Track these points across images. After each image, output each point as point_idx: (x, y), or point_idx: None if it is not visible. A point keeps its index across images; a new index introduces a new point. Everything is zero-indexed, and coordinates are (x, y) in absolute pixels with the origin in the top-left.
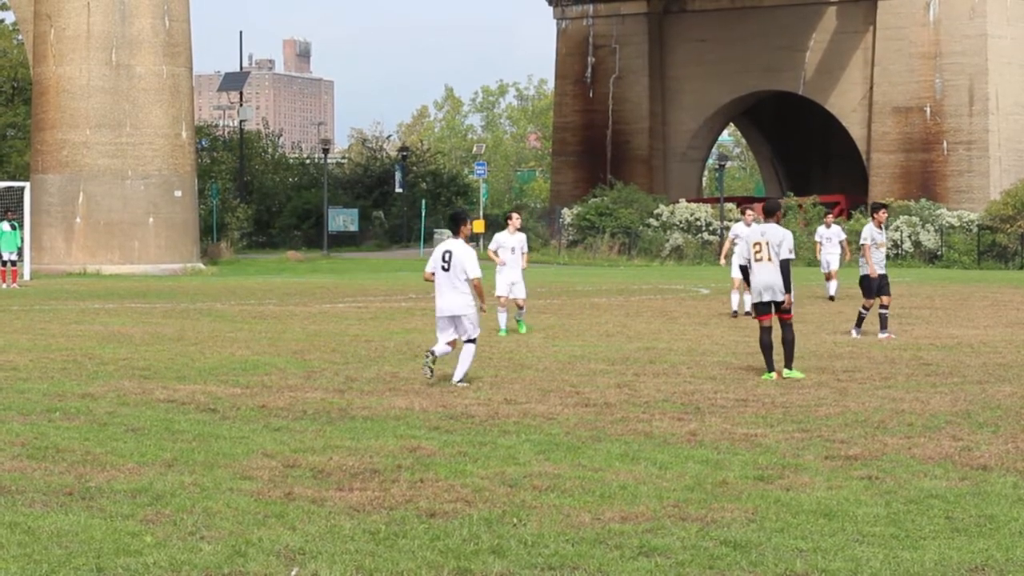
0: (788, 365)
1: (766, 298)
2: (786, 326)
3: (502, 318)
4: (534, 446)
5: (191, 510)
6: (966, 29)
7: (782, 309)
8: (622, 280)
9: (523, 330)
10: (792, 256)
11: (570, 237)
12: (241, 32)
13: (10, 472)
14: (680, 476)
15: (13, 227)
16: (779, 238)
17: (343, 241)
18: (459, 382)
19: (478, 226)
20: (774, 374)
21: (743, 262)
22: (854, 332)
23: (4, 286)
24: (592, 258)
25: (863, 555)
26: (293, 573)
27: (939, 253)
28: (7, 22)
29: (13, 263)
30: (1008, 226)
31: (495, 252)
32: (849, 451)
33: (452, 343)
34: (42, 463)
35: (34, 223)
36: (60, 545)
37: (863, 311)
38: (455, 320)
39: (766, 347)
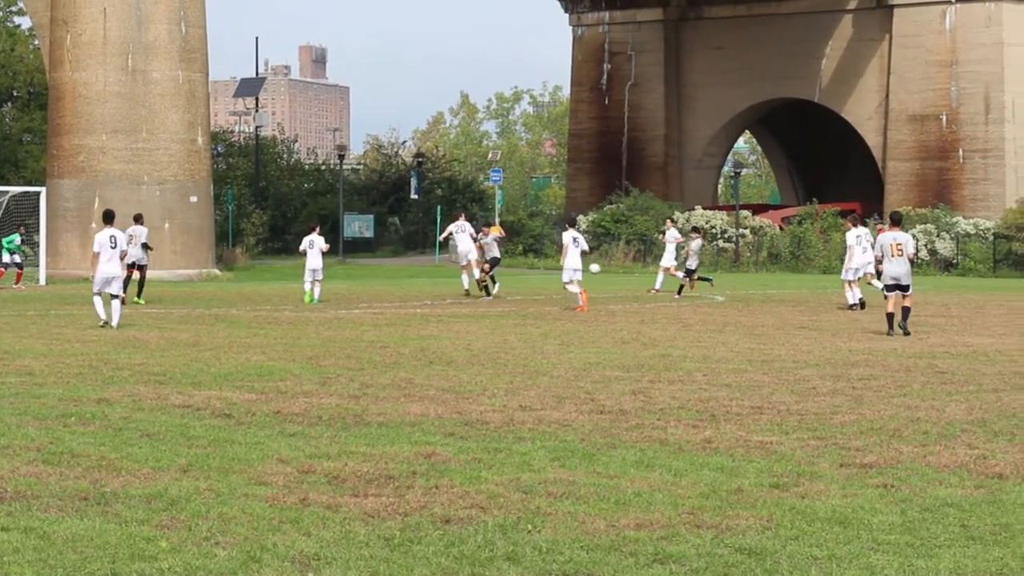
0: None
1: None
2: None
3: (308, 287)
4: (549, 453)
5: (206, 516)
6: (982, 37)
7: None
8: (637, 287)
9: (317, 301)
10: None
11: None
12: (257, 38)
13: (25, 477)
14: (695, 483)
15: (23, 240)
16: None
17: (358, 247)
18: (117, 326)
19: (496, 230)
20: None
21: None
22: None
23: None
24: (607, 265)
25: (878, 563)
26: None
27: (955, 261)
28: (23, 27)
29: (19, 266)
30: None
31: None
32: (864, 459)
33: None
34: (57, 468)
35: (50, 228)
36: (75, 550)
37: None
38: (111, 281)
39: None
